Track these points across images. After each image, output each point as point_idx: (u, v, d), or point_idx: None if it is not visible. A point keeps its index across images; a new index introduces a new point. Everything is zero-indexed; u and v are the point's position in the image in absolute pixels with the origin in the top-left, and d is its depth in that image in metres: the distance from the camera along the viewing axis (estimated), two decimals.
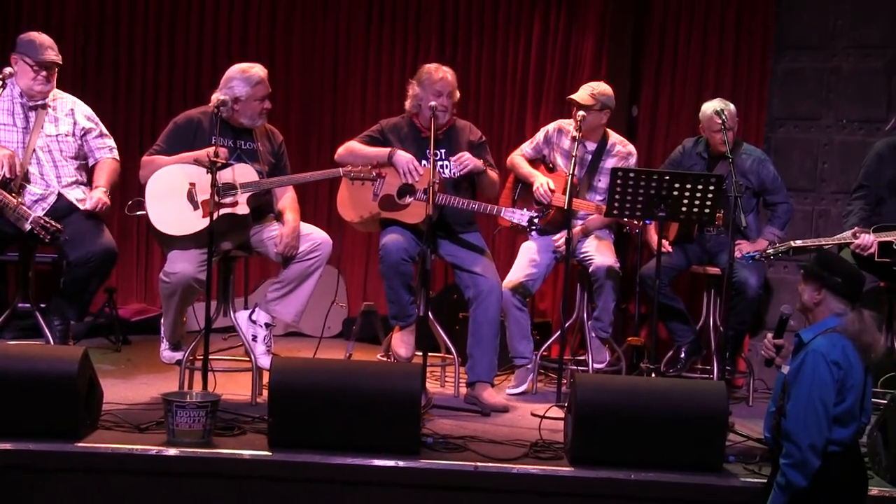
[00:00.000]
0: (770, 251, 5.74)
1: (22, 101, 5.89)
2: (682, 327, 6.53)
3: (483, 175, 6.00)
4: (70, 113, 6.00)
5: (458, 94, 6.06)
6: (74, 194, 5.90)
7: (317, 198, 8.02)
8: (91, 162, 6.08)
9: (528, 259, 6.41)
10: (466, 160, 5.91)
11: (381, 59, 8.07)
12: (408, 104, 6.12)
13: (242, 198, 5.56)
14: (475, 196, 6.07)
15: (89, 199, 5.83)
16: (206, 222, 5.35)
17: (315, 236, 5.74)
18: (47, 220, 5.58)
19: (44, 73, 5.86)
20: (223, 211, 5.42)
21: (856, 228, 5.79)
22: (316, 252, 5.70)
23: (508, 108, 7.83)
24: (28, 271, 5.95)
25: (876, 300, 5.81)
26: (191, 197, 5.54)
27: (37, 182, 5.85)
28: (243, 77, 5.69)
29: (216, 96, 5.64)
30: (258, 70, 5.73)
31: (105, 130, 6.14)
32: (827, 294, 4.22)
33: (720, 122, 6.10)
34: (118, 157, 6.15)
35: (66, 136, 5.97)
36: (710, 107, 6.31)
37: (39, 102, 5.91)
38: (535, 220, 5.83)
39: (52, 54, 5.88)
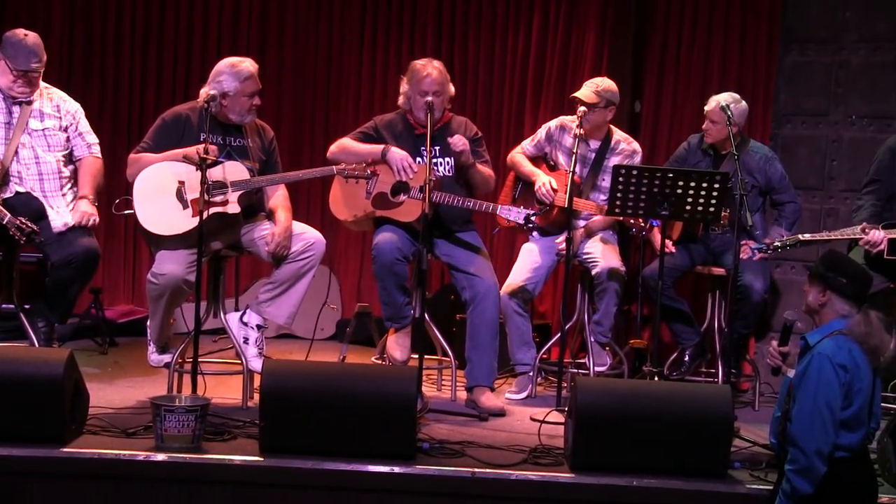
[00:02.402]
0: (777, 244, 5.75)
1: (5, 96, 5.90)
2: (686, 329, 6.54)
3: (473, 170, 6.00)
4: (56, 108, 6.02)
5: (451, 89, 6.05)
6: (55, 201, 5.91)
7: (309, 196, 8.02)
8: (75, 158, 6.10)
9: (528, 261, 6.42)
10: (461, 143, 5.90)
11: (376, 54, 8.08)
12: (400, 101, 6.13)
13: (233, 196, 5.56)
14: (471, 194, 6.08)
15: (75, 212, 5.83)
16: (195, 221, 5.35)
17: (308, 236, 5.75)
18: (24, 221, 5.58)
19: (23, 79, 5.87)
20: (213, 210, 5.42)
21: (864, 224, 5.79)
22: (309, 252, 5.70)
23: (507, 103, 7.84)
24: (12, 271, 5.95)
25: (885, 302, 5.81)
26: (180, 195, 5.55)
27: (16, 181, 5.87)
28: (232, 71, 5.69)
29: (205, 91, 5.65)
30: (248, 65, 5.73)
31: (87, 126, 6.15)
32: (832, 295, 4.24)
33: (726, 117, 6.10)
34: (100, 155, 6.17)
35: (54, 129, 5.98)
36: (718, 99, 6.31)
37: (24, 99, 5.93)
38: (532, 219, 5.83)
39: (34, 62, 5.87)
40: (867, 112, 7.02)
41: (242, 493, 4.77)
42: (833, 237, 5.80)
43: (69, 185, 6.04)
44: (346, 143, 6.08)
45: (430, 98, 5.85)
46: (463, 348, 6.08)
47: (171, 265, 5.49)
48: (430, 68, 5.97)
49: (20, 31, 5.93)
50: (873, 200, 6.02)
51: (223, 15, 8.07)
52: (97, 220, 5.88)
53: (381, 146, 5.97)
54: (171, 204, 5.54)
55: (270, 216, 5.81)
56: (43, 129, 5.96)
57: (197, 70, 7.74)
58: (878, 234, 5.72)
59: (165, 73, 8.02)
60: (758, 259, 6.15)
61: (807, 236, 5.76)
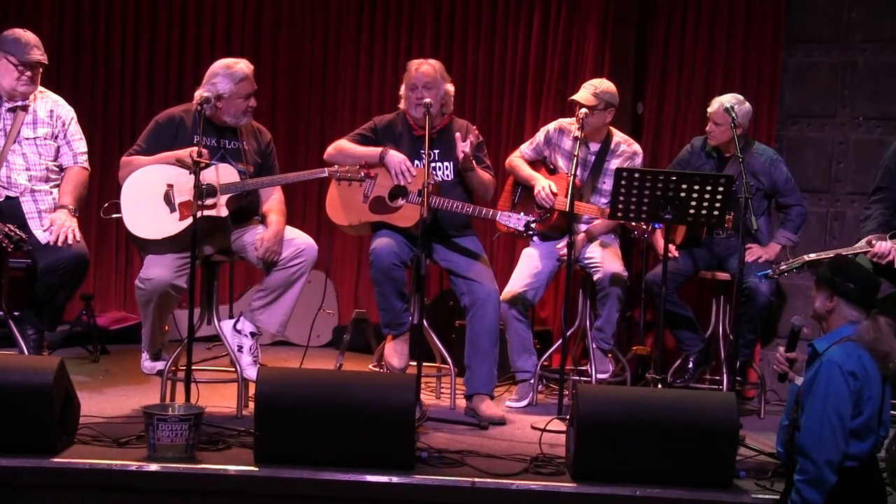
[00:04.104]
0: (783, 267, 5.71)
1: (2, 101, 5.88)
2: (690, 336, 6.53)
3: (472, 174, 5.99)
4: (50, 113, 6.00)
5: (447, 88, 6.02)
6: (43, 206, 5.90)
7: (305, 200, 8.03)
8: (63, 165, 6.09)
9: (528, 267, 6.40)
10: (461, 148, 5.87)
11: (374, 54, 8.08)
12: (401, 104, 6.13)
13: (222, 199, 5.54)
14: (471, 199, 6.07)
15: (52, 226, 5.78)
16: (182, 225, 5.36)
17: (299, 241, 5.72)
18: (12, 228, 5.56)
19: (28, 73, 5.86)
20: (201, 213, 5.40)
21: (870, 237, 5.75)
22: (300, 258, 5.67)
23: (507, 105, 7.83)
24: (0, 278, 5.93)
25: (893, 307, 5.80)
26: (167, 199, 5.54)
27: (5, 186, 5.85)
28: (227, 73, 5.68)
29: (199, 93, 5.65)
30: (243, 66, 5.73)
31: (78, 134, 6.10)
32: (840, 301, 4.23)
33: (730, 119, 6.10)
34: (87, 166, 6.13)
35: (45, 138, 5.96)
36: (721, 101, 6.31)
37: (19, 104, 5.91)
38: (532, 226, 5.82)
39: (38, 54, 5.88)
40: (874, 113, 7.02)
41: (237, 503, 4.75)
42: (840, 254, 5.75)
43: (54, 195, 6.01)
44: (344, 144, 6.08)
45: (423, 96, 5.82)
46: (462, 355, 6.07)
47: (158, 269, 5.46)
48: (423, 64, 6.00)
49: (17, 30, 5.93)
50: (881, 209, 5.92)
51: (217, 14, 8.07)
52: (76, 230, 5.82)
53: (380, 149, 5.96)
54: (159, 207, 5.53)
55: (264, 220, 5.80)
56: (34, 138, 5.94)
57: (190, 71, 7.74)
58: (884, 246, 5.66)
59: (157, 75, 8.02)
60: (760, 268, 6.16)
61: (812, 256, 5.69)
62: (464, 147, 5.84)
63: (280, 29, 8.13)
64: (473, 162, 5.93)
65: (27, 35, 5.89)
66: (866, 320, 4.19)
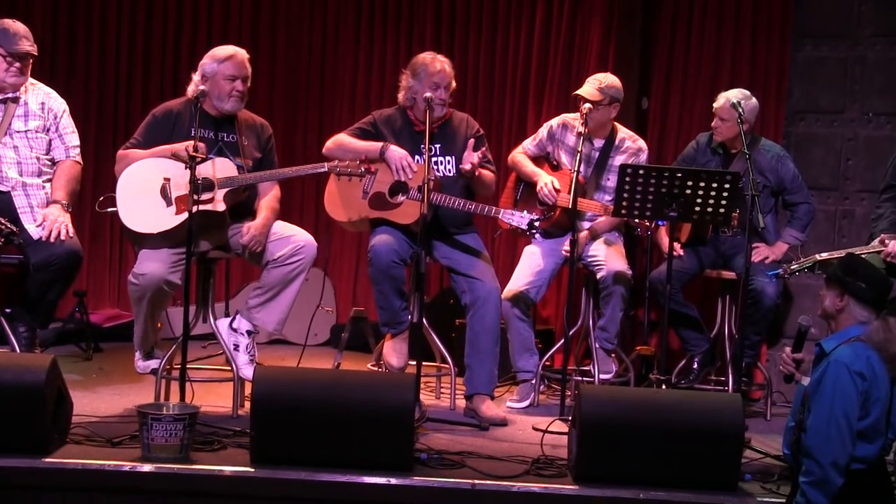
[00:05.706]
0: (794, 267, 5.70)
1: None
2: (695, 336, 6.53)
3: (475, 178, 5.98)
4: (41, 106, 5.99)
5: (454, 84, 6.06)
6: (36, 200, 5.90)
7: (303, 196, 8.03)
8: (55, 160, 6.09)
9: (530, 265, 6.40)
10: (468, 161, 5.88)
11: (373, 48, 8.07)
12: (401, 96, 6.11)
13: (220, 194, 5.53)
14: (472, 195, 6.07)
15: (44, 222, 5.76)
16: (178, 219, 5.36)
17: (297, 238, 5.71)
18: (3, 221, 5.56)
19: (17, 64, 5.84)
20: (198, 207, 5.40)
21: (883, 236, 5.73)
22: (298, 255, 5.66)
23: (509, 100, 7.82)
24: None
25: None
26: (164, 192, 5.53)
27: None
28: (212, 55, 5.72)
29: (193, 84, 5.66)
30: (229, 48, 5.74)
31: (70, 128, 6.09)
32: (850, 301, 4.23)
33: (736, 114, 6.10)
34: (80, 160, 6.11)
35: (37, 131, 5.95)
36: (727, 96, 6.30)
37: (10, 95, 5.91)
38: (536, 224, 5.82)
39: (27, 45, 5.87)
40: (884, 109, 7.01)
41: None
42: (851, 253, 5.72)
43: (46, 190, 6.00)
44: (343, 139, 6.06)
45: (433, 95, 5.81)
46: (462, 355, 6.07)
47: (152, 264, 5.46)
48: (439, 62, 5.98)
49: (5, 20, 5.92)
50: (893, 208, 5.85)
51: (213, 7, 8.07)
52: (69, 226, 5.81)
53: (380, 144, 5.95)
54: (155, 201, 5.52)
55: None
56: (26, 132, 5.93)
57: (185, 66, 7.71)
58: None
59: (153, 70, 8.02)
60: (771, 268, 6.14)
61: (824, 255, 5.66)
62: (470, 159, 5.84)
63: (278, 26, 8.13)
64: (478, 170, 5.93)
65: (16, 25, 5.88)
66: (876, 321, 4.19)
